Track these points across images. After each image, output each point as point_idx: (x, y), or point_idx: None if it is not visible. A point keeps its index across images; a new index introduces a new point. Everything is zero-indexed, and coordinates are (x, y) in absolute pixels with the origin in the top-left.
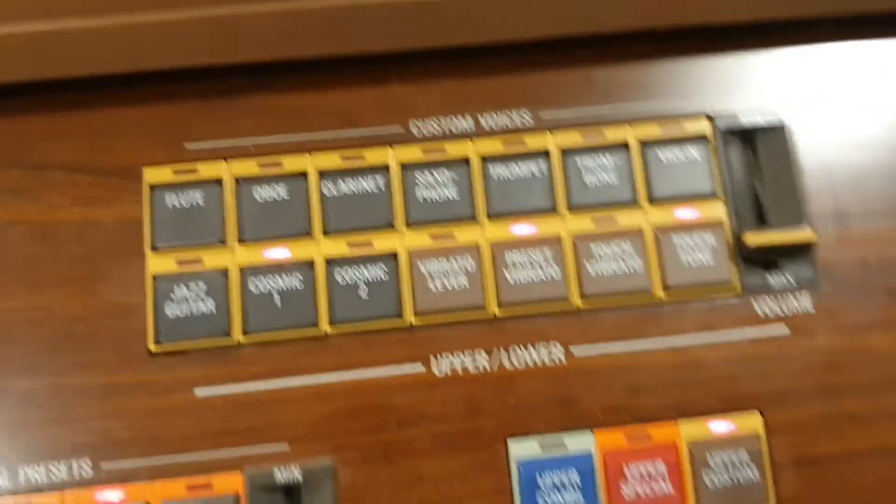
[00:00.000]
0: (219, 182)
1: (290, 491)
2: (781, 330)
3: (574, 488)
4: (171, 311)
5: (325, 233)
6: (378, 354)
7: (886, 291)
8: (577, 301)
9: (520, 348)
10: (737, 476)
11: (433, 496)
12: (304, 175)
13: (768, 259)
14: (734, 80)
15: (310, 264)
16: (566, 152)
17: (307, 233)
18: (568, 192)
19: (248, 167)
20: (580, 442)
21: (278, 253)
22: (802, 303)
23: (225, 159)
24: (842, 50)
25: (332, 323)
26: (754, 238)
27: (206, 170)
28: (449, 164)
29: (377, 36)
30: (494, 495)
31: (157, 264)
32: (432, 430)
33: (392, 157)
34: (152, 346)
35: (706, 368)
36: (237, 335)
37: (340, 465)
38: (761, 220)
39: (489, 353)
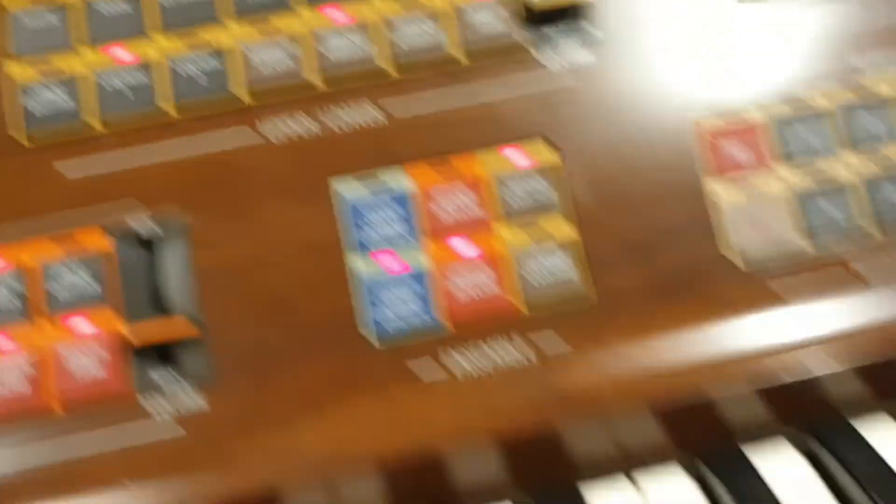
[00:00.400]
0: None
1: (150, 245)
2: (569, 80)
3: (397, 217)
4: (38, 111)
5: (163, 33)
6: (219, 130)
7: (663, 41)
8: (391, 71)
9: (344, 115)
10: (537, 198)
11: (273, 236)
12: None
13: (551, 20)
14: None
15: (151, 62)
16: None
17: (146, 35)
18: None
19: None
20: (394, 176)
21: (123, 54)
22: (586, 57)
23: None
24: None
25: (176, 109)
26: (539, 1)
27: None
28: None
29: None
30: (324, 228)
31: (20, 73)
32: (270, 186)
33: None
34: (24, 141)
35: (504, 118)
36: (96, 125)
37: (192, 220)
38: None
39: (318, 121)
